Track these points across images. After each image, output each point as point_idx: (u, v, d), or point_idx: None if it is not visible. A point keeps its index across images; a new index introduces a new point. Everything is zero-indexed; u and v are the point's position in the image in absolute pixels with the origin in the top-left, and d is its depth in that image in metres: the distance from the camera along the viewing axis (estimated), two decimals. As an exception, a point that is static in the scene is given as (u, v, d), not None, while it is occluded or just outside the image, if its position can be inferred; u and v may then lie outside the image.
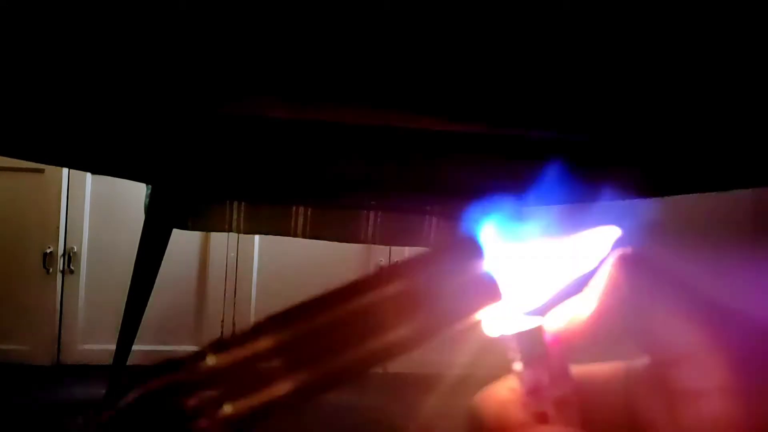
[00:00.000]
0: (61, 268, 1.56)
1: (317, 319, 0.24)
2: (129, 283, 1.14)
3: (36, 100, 0.55)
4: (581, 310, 0.21)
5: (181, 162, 0.86)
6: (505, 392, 0.20)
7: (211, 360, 0.24)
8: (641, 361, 0.19)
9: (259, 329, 0.24)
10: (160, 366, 0.24)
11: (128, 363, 1.13)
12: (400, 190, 0.93)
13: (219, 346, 0.24)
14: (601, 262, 0.21)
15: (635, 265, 0.19)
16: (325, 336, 0.25)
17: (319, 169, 0.78)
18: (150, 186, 1.13)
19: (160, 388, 0.23)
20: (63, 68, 0.46)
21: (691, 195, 0.84)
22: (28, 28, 0.38)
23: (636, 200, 1.05)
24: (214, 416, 0.23)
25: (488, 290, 0.26)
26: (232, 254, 1.61)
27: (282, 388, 0.23)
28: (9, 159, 1.45)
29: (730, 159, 0.63)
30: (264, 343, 0.24)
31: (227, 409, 0.23)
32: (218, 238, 1.61)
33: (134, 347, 1.16)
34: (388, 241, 1.11)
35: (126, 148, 0.76)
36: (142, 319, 1.16)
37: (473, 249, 0.26)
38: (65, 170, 1.58)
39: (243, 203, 1.10)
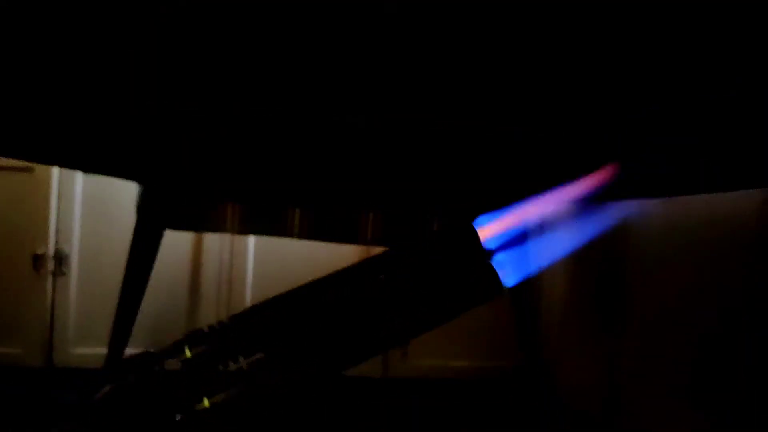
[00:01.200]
0: (52, 270, 1.54)
1: (297, 312, 0.23)
2: (121, 284, 1.13)
3: (25, 97, 0.53)
4: None
5: (174, 160, 0.85)
6: None
7: (188, 353, 0.23)
8: None
9: (236, 322, 0.23)
10: (136, 359, 0.23)
11: (121, 366, 1.12)
12: (400, 190, 0.92)
13: (196, 339, 0.23)
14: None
15: None
16: (307, 328, 0.23)
17: (318, 168, 0.78)
18: (142, 185, 1.11)
19: (136, 382, 0.22)
20: (54, 66, 0.45)
21: (691, 195, 0.84)
22: (24, 29, 0.37)
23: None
24: (191, 410, 0.22)
25: (488, 282, 0.25)
26: (226, 255, 1.59)
27: (260, 381, 0.22)
28: (-2, 158, 1.43)
29: (731, 159, 0.63)
30: (240, 337, 0.22)
31: (205, 403, 0.22)
32: (212, 239, 1.59)
33: (127, 350, 1.14)
34: (389, 242, 1.10)
35: (117, 147, 0.75)
36: (135, 322, 1.15)
37: (471, 239, 0.25)
38: (55, 169, 1.55)
39: (237, 203, 1.09)
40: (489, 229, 0.23)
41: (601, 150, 0.68)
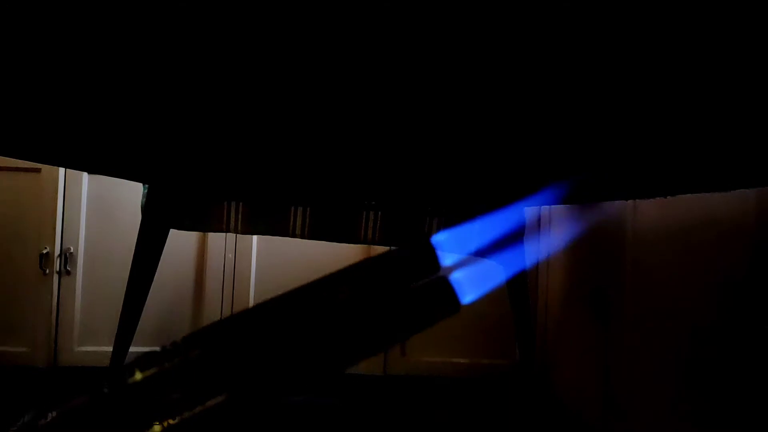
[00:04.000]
0: (58, 269, 1.55)
1: (249, 332, 0.22)
2: (126, 284, 1.14)
3: (32, 99, 0.54)
4: None
5: (179, 161, 0.86)
6: None
7: (138, 376, 0.21)
8: None
9: (189, 342, 0.22)
10: (87, 383, 0.22)
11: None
12: (400, 189, 0.92)
13: (147, 360, 0.21)
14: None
15: None
16: (261, 347, 0.22)
17: (319, 169, 0.78)
18: (147, 186, 1.12)
19: (83, 407, 0.21)
20: (60, 67, 0.46)
21: (690, 195, 0.84)
22: (27, 30, 0.38)
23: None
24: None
25: (445, 298, 0.24)
26: (230, 255, 1.60)
27: (214, 402, 0.21)
28: (5, 158, 1.45)
29: (730, 159, 0.63)
30: (194, 356, 0.22)
31: (156, 429, 0.21)
32: (216, 239, 1.60)
33: (131, 349, 1.15)
34: (388, 241, 1.11)
35: (121, 147, 0.76)
36: (139, 321, 1.16)
37: (429, 255, 0.24)
38: (62, 170, 1.57)
39: (241, 203, 1.10)
40: (447, 247, 0.23)
41: (600, 150, 0.68)
